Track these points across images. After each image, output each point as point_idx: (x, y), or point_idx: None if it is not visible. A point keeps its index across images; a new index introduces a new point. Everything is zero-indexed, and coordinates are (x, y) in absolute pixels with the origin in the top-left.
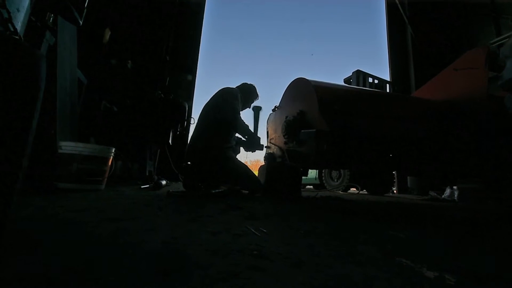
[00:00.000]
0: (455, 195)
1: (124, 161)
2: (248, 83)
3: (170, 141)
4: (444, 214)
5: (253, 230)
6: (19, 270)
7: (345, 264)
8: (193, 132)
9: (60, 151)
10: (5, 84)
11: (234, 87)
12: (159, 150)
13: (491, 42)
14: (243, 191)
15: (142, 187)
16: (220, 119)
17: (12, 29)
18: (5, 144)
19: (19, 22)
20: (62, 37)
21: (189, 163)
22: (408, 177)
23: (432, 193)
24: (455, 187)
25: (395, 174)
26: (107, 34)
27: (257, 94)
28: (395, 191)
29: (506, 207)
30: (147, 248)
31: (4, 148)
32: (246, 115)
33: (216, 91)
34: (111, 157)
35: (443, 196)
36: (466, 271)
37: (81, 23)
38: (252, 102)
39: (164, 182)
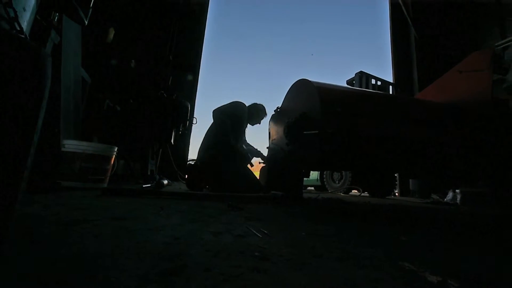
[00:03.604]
0: (458, 199)
1: (126, 160)
2: (258, 103)
3: (172, 141)
4: (447, 217)
5: (254, 231)
6: (22, 268)
7: (347, 267)
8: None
9: (63, 149)
10: (12, 82)
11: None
12: (161, 150)
13: (496, 44)
14: None
15: (143, 186)
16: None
17: (18, 28)
18: (10, 142)
19: (25, 21)
20: (67, 36)
21: (192, 163)
22: (410, 180)
23: (434, 196)
24: (457, 191)
25: (397, 177)
26: (111, 33)
27: (265, 113)
28: (397, 194)
29: (510, 210)
30: (149, 248)
31: (10, 147)
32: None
33: (229, 101)
34: (114, 156)
35: (445, 199)
36: (469, 275)
37: (86, 22)
38: (261, 119)
39: (165, 182)
